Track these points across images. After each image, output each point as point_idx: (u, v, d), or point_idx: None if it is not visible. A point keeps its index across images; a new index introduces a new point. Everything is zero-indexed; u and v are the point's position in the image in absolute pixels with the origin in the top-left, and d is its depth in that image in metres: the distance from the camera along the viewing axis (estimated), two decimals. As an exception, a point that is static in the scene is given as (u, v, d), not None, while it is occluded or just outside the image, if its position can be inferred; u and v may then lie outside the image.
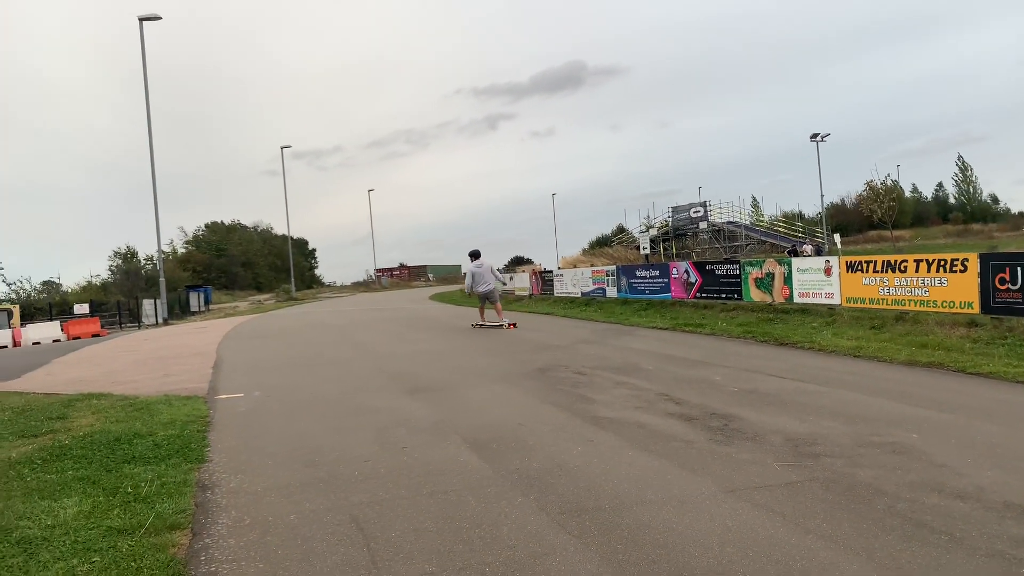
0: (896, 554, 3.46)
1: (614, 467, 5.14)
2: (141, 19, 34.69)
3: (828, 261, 13.87)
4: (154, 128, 43.41)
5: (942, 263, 11.14)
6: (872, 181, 54.43)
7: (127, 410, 8.21)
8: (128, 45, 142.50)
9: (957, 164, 70.54)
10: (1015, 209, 68.21)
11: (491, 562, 3.66)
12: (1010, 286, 10.00)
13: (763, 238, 52.25)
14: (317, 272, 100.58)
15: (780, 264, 15.34)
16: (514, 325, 16.67)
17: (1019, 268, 9.90)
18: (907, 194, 67.63)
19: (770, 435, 5.73)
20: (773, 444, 5.50)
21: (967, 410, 6.21)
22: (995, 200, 68.78)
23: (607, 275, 22.88)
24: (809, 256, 29.11)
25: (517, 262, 78.96)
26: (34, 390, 10.69)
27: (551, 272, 29.03)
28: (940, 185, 68.77)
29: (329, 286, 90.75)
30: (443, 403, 7.87)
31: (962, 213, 63.63)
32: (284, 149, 62.46)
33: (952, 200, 67.15)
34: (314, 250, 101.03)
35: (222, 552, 4.04)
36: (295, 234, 70.33)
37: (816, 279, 13.99)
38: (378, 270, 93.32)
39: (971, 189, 68.50)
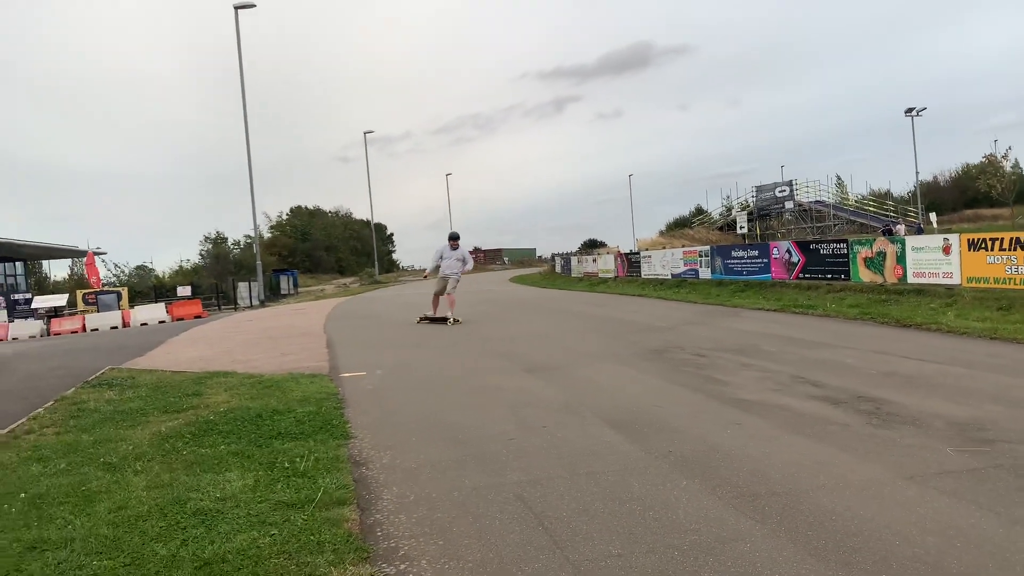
0: None
1: (774, 450, 5.00)
2: (236, 7, 35.64)
3: (947, 239, 13.21)
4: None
5: (1083, 240, 10.46)
6: (991, 155, 51.56)
7: (257, 387, 8.46)
8: (208, 36, 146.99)
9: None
10: None
11: (678, 545, 3.59)
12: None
13: (852, 218, 50.35)
14: (395, 256, 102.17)
15: (892, 243, 14.71)
16: (457, 321, 14.97)
17: None
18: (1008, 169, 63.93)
19: (929, 419, 5.47)
20: (937, 429, 5.24)
21: None
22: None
23: (700, 255, 22.45)
24: (903, 236, 27.91)
25: (591, 245, 78.23)
26: (161, 367, 11.15)
27: (637, 254, 28.67)
28: (1017, 163, 64.94)
29: (407, 270, 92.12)
30: (565, 382, 7.84)
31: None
32: (367, 134, 63.34)
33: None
34: (391, 234, 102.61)
35: (396, 528, 4.09)
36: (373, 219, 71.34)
37: (933, 258, 13.35)
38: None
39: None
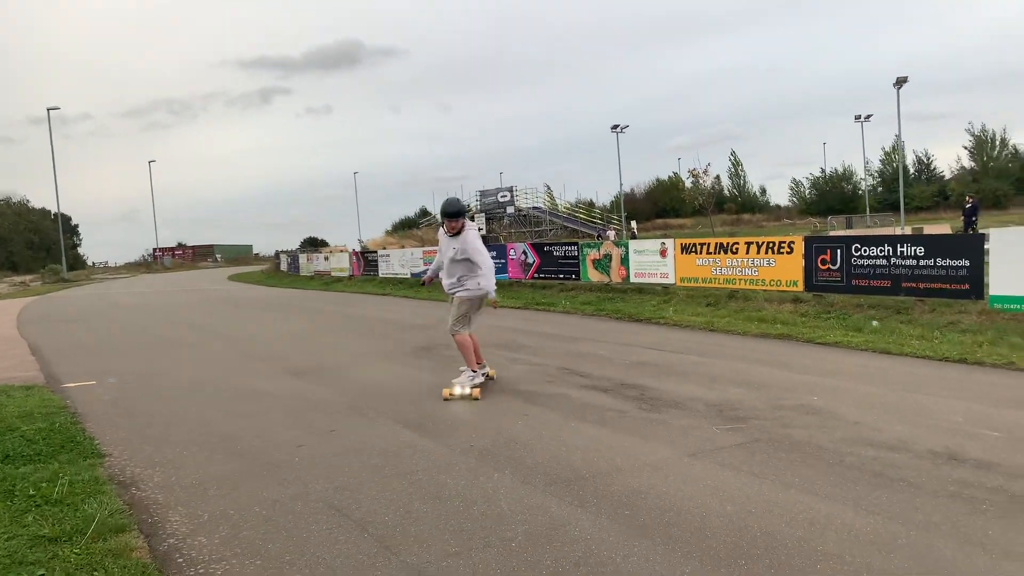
0: (876, 501, 3.89)
1: (567, 438, 5.26)
2: None
3: (664, 243, 14.90)
4: None
5: (771, 245, 12.40)
6: (695, 170, 58.69)
7: (-44, 405, 7.01)
8: None
9: (730, 159, 78.49)
10: (772, 202, 77.15)
11: (512, 537, 3.63)
12: (830, 266, 11.38)
13: (565, 223, 54.74)
14: (80, 250, 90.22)
15: (617, 246, 16.23)
16: (489, 377, 7.43)
17: (838, 250, 11.29)
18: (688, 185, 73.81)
19: (690, 402, 6.13)
20: (698, 411, 5.88)
21: (843, 374, 7.03)
22: (763, 192, 77.50)
23: (437, 255, 22.90)
24: (612, 240, 30.99)
25: (311, 243, 76.03)
26: None
27: (375, 252, 28.47)
28: (717, 178, 76.17)
29: (98, 267, 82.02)
30: (341, 384, 7.55)
31: (735, 204, 70.81)
32: (51, 111, 55.17)
33: (727, 192, 74.48)
34: (77, 226, 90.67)
35: (199, 552, 3.64)
36: (53, 208, 62.27)
37: (652, 260, 14.97)
38: (158, 250, 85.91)
39: (741, 182, 76.67)
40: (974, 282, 10.01)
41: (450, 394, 6.62)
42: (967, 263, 10.10)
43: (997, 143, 67.14)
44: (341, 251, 35.37)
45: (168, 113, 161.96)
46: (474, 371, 6.97)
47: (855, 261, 11.24)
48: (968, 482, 4.08)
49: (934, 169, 68.35)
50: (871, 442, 4.87)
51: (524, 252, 18.82)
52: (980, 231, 16.27)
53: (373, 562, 3.43)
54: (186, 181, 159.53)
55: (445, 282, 7.20)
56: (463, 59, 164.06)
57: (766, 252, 12.44)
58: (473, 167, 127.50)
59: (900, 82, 38.22)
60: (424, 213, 67.64)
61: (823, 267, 11.54)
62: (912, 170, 66.43)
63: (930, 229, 28.88)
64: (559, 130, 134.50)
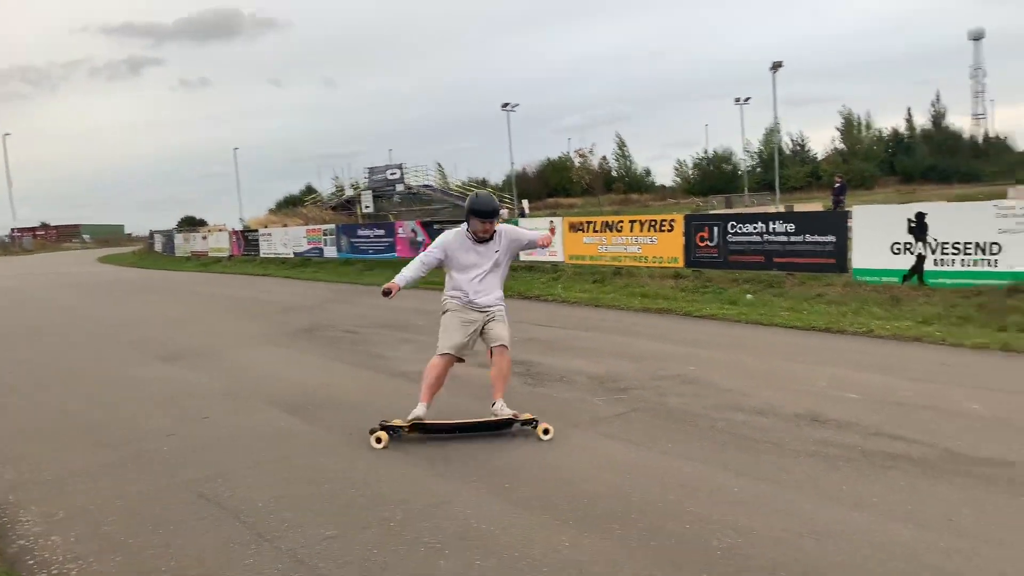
0: (744, 463, 4.07)
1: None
2: None
3: (552, 222, 15.07)
4: None
5: (653, 223, 12.76)
6: (580, 150, 59.53)
7: None
8: None
9: (616, 140, 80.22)
10: (658, 182, 79.52)
11: (391, 516, 3.58)
12: (708, 243, 11.82)
13: (457, 202, 54.53)
14: None
15: (506, 224, 16.29)
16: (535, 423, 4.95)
17: (715, 228, 11.75)
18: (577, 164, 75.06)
19: (574, 376, 6.23)
20: (582, 383, 5.99)
21: (717, 345, 7.33)
22: (648, 173, 79.65)
23: (324, 234, 22.32)
24: (506, 220, 31.21)
25: (190, 222, 72.54)
26: None
27: (255, 231, 27.45)
28: (604, 158, 77.69)
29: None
30: (218, 369, 7.23)
31: (623, 184, 72.52)
32: None
33: (614, 173, 76.15)
34: None
35: (52, 552, 3.39)
36: None
37: (540, 238, 15.11)
38: (16, 230, 79.74)
39: (628, 163, 78.59)
40: (839, 257, 10.65)
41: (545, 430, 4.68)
42: (833, 239, 10.73)
43: (864, 127, 71.63)
44: (220, 230, 33.90)
45: (24, 82, 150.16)
46: None
47: (731, 238, 11.73)
48: (828, 441, 4.34)
49: (808, 151, 72.11)
50: (741, 408, 5.09)
51: (413, 230, 18.61)
52: (847, 210, 17.35)
53: (245, 550, 3.30)
54: (49, 156, 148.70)
55: (480, 299, 5.01)
56: (348, 33, 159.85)
57: (649, 230, 12.80)
58: (361, 144, 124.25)
59: (776, 66, 40.01)
60: (310, 190, 65.72)
61: (702, 244, 11.98)
62: (788, 151, 69.84)
63: (803, 208, 30.59)
64: (451, 108, 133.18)
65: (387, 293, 4.83)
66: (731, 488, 3.71)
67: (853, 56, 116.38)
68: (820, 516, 3.35)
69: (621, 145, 77.25)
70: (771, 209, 31.08)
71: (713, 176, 70.79)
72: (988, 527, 3.18)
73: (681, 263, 12.34)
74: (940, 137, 69.10)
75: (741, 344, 7.43)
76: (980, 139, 71.50)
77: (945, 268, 9.51)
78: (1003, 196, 26.73)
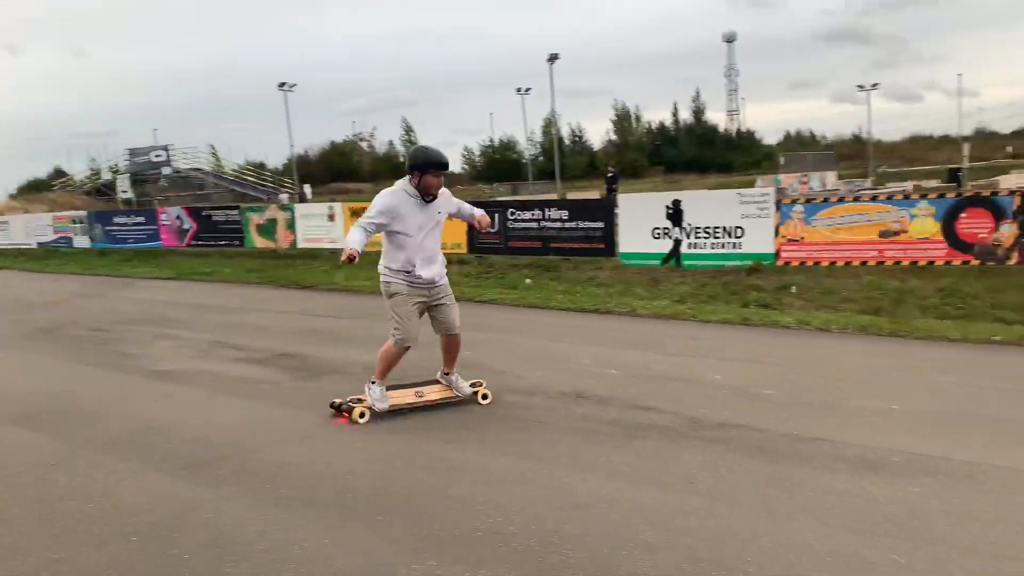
0: (512, 442, 4.16)
1: (213, 417, 4.87)
2: None
3: (331, 208, 14.64)
4: None
5: (435, 210, 12.78)
6: (360, 134, 57.94)
7: None
8: None
9: (403, 125, 79.70)
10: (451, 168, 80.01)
11: (133, 531, 3.24)
12: (490, 230, 12.06)
13: (232, 187, 51.41)
14: None
15: (283, 210, 15.59)
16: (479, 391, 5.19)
17: (496, 215, 12.02)
18: (368, 148, 73.84)
19: (350, 367, 6.05)
20: (357, 374, 5.81)
21: (499, 329, 7.47)
22: (441, 159, 79.79)
23: (74, 222, 20.07)
24: (284, 205, 29.91)
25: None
26: None
27: (-10, 220, 24.05)
28: (391, 143, 76.97)
29: None
30: (-73, 378, 6.19)
31: (408, 170, 72.47)
32: None
33: (401, 158, 75.96)
34: None
35: None
36: None
37: (321, 225, 14.64)
38: None
39: (414, 148, 78.11)
40: (608, 242, 11.34)
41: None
42: (602, 225, 11.40)
43: (635, 120, 76.96)
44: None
45: None
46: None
47: (511, 224, 12.07)
48: (589, 416, 4.55)
49: (586, 141, 76.32)
50: (513, 388, 5.22)
51: (179, 217, 17.25)
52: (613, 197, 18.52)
53: (-54, 588, 2.82)
54: None
55: (428, 270, 4.65)
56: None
57: (431, 216, 12.80)
58: (120, 123, 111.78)
59: (552, 58, 41.82)
60: (60, 174, 58.82)
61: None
62: (568, 141, 73.40)
63: (581, 195, 32.26)
64: (223, 87, 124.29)
65: (352, 259, 4.34)
66: (498, 468, 3.77)
67: (626, 52, 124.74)
68: (578, 488, 3.49)
69: (408, 130, 76.92)
70: (547, 197, 32.47)
71: (500, 164, 72.69)
72: (723, 487, 3.48)
73: (464, 249, 12.50)
74: (700, 131, 75.88)
75: (517, 327, 7.64)
76: (734, 133, 79.47)
77: (698, 251, 10.46)
78: (752, 185, 30.04)
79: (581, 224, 11.57)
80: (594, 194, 33.93)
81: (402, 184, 4.62)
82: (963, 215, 8.89)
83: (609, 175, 30.08)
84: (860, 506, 3.21)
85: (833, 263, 9.56)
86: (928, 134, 71.70)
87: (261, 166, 65.75)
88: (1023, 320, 6.90)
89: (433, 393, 4.94)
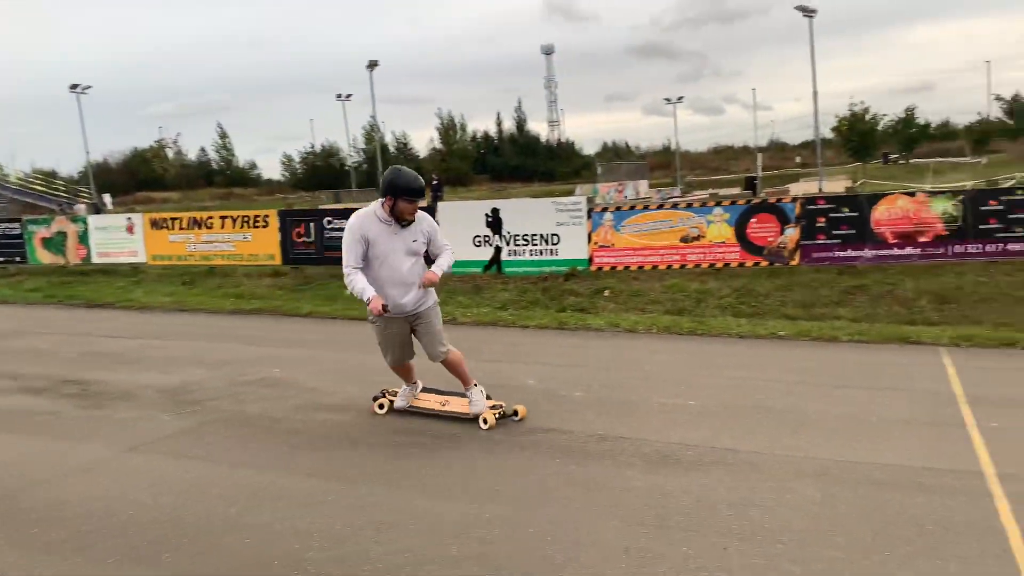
0: (315, 462, 3.99)
1: None
2: None
3: (130, 219, 13.52)
4: None
5: (246, 219, 12.16)
6: (162, 140, 53.97)
7: None
8: None
9: (217, 131, 75.33)
10: (265, 176, 76.86)
11: None
12: (305, 239, 11.64)
13: (16, 197, 46.36)
14: None
15: (74, 222, 14.21)
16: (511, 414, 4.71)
17: (311, 223, 11.62)
18: (171, 156, 69.13)
19: (141, 391, 5.56)
20: (149, 398, 5.37)
21: (308, 344, 7.19)
22: (254, 166, 76.27)
23: None
24: (81, 215, 27.36)
25: None
26: None
27: None
28: (203, 150, 72.58)
29: None
30: None
31: (224, 177, 68.60)
32: None
33: (215, 165, 71.81)
34: None
35: None
36: None
37: (118, 237, 13.48)
38: None
39: (230, 155, 74.40)
40: (427, 249, 11.26)
41: (494, 419, 4.48)
42: (421, 232, 11.30)
43: (459, 128, 77.61)
44: None
45: None
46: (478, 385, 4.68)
47: (328, 234, 11.70)
48: (401, 430, 4.48)
49: (411, 149, 75.89)
50: (323, 406, 5.02)
51: (-52, 232, 15.23)
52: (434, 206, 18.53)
53: None
54: None
55: (404, 297, 4.44)
56: None
57: (242, 226, 12.18)
58: None
59: (372, 65, 41.28)
60: None
61: (299, 240, 11.76)
62: (393, 149, 72.63)
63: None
64: (4, 87, 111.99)
65: (385, 309, 4.27)
66: (298, 490, 3.59)
67: (449, 61, 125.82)
68: (383, 506, 3.39)
69: (222, 136, 73.04)
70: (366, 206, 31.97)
71: (322, 171, 70.68)
72: (528, 493, 3.51)
73: (279, 260, 11.97)
74: (523, 140, 78.02)
75: (332, 341, 7.40)
76: (555, 143, 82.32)
77: (518, 258, 10.65)
78: (572, 193, 31.15)
79: (402, 233, 11.44)
80: (422, 203, 33.82)
81: (374, 207, 4.44)
82: (753, 220, 9.67)
83: (434, 183, 30.07)
84: (655, 501, 3.34)
85: (641, 267, 10.08)
86: (729, 144, 78.12)
87: (52, 174, 59.89)
88: (806, 316, 7.61)
89: (457, 405, 4.70)
